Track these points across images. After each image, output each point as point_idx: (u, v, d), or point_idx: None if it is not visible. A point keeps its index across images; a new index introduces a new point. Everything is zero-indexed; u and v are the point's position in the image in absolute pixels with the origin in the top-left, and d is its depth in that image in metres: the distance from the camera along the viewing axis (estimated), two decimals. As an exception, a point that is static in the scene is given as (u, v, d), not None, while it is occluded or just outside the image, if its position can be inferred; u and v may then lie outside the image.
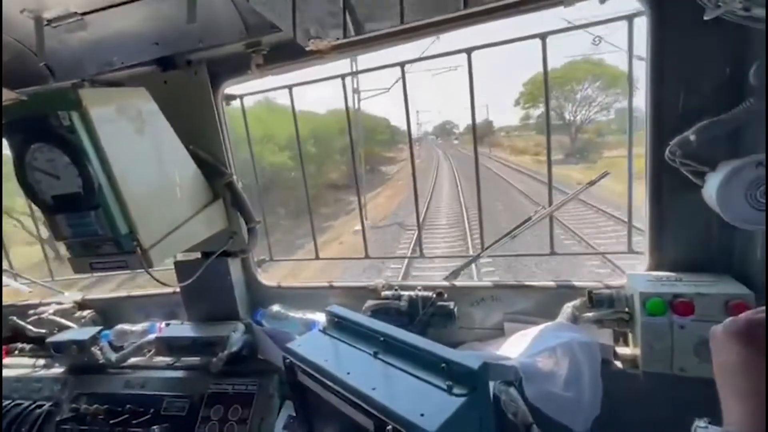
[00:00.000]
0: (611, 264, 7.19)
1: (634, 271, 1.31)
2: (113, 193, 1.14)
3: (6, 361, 1.90)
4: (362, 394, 0.92)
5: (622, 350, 1.32)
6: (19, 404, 1.64)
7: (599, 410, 1.24)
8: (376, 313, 1.53)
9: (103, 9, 1.36)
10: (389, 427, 0.83)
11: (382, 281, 1.62)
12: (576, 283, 1.40)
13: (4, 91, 1.61)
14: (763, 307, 0.60)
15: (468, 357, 0.93)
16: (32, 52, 1.52)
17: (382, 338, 1.09)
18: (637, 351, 1.21)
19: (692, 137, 1.06)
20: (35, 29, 1.40)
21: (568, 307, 1.33)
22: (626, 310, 1.25)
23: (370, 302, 1.57)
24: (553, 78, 28.80)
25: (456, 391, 0.88)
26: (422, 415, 0.82)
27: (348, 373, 1.00)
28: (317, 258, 1.94)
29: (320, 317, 1.63)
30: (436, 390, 0.90)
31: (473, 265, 8.00)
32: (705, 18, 0.83)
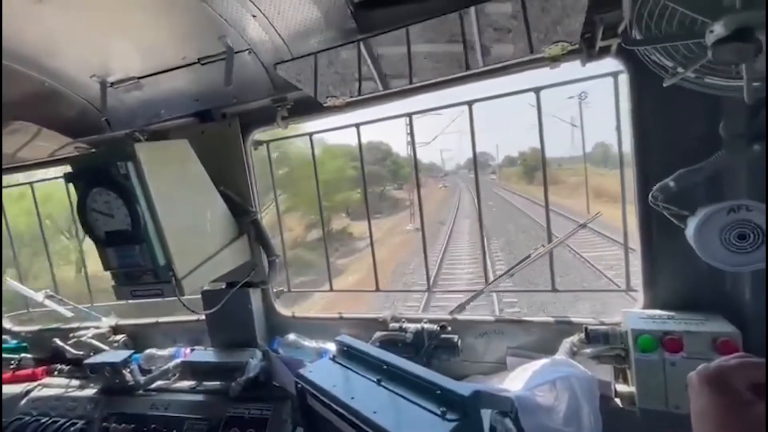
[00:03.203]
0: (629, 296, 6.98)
1: (632, 309, 1.36)
2: (155, 230, 1.32)
3: (46, 380, 2.07)
4: (364, 417, 1.01)
5: (621, 387, 1.34)
6: (56, 421, 1.78)
7: (599, 447, 1.26)
8: (384, 344, 1.62)
9: (157, 73, 1.62)
10: (386, 447, 0.92)
11: (390, 314, 1.72)
12: (573, 319, 1.46)
13: (70, 140, 1.89)
14: (735, 354, 0.62)
15: (461, 386, 1.01)
16: (95, 108, 1.79)
17: (385, 366, 1.18)
18: (634, 388, 1.24)
19: (672, 184, 1.15)
20: (101, 90, 1.67)
21: (566, 343, 1.38)
22: (622, 346, 1.30)
23: (378, 333, 1.66)
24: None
25: (449, 416, 0.96)
26: (416, 437, 0.91)
27: (352, 398, 1.09)
28: (331, 290, 2.06)
29: (332, 346, 1.72)
30: (431, 415, 0.98)
31: (494, 297, 7.92)
32: (664, 85, 0.95)
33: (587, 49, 1.23)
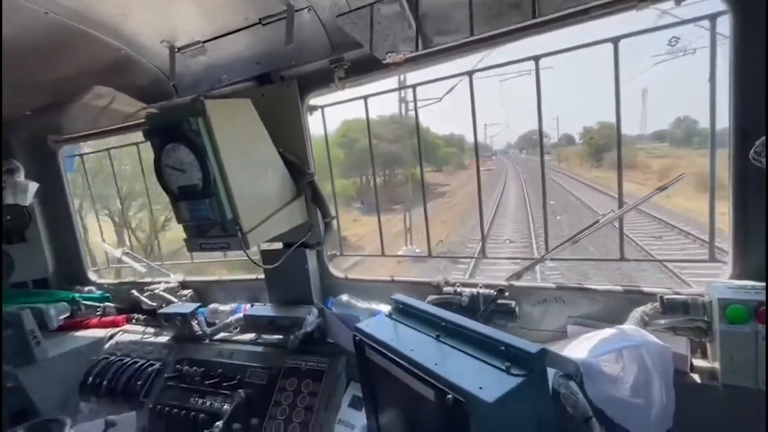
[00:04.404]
0: (673, 274, 6.44)
1: (715, 280, 1.24)
2: (224, 185, 1.38)
3: (126, 327, 2.30)
4: (425, 368, 1.02)
5: (699, 362, 1.25)
6: (137, 362, 1.99)
7: (671, 423, 1.19)
8: (438, 306, 1.60)
9: (220, 37, 1.66)
10: (449, 396, 0.92)
11: (443, 278, 1.70)
12: (645, 289, 1.36)
13: (142, 106, 2.01)
14: None
15: (527, 343, 0.98)
16: (164, 75, 1.88)
17: (443, 323, 1.18)
18: (717, 363, 1.14)
19: (781, 136, 1.01)
20: (169, 56, 1.75)
21: (636, 312, 1.30)
22: (704, 318, 1.19)
23: (432, 296, 1.66)
24: None
25: (514, 371, 0.94)
26: (481, 388, 0.89)
27: (411, 350, 1.10)
28: (383, 255, 2.08)
29: (384, 308, 1.75)
30: (495, 369, 0.96)
31: (537, 268, 7.68)
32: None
33: (685, -16, 1.09)
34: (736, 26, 1.13)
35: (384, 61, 1.48)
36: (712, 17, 1.24)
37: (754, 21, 1.10)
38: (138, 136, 2.30)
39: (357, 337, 1.30)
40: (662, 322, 1.25)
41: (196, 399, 1.74)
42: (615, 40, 1.40)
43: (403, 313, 1.35)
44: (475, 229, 13.66)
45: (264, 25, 1.56)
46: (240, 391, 1.66)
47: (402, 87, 1.80)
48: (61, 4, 1.45)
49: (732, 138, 1.18)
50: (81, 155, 2.64)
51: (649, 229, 11.30)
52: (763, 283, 1.13)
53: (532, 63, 1.58)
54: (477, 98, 1.69)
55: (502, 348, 0.99)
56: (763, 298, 1.05)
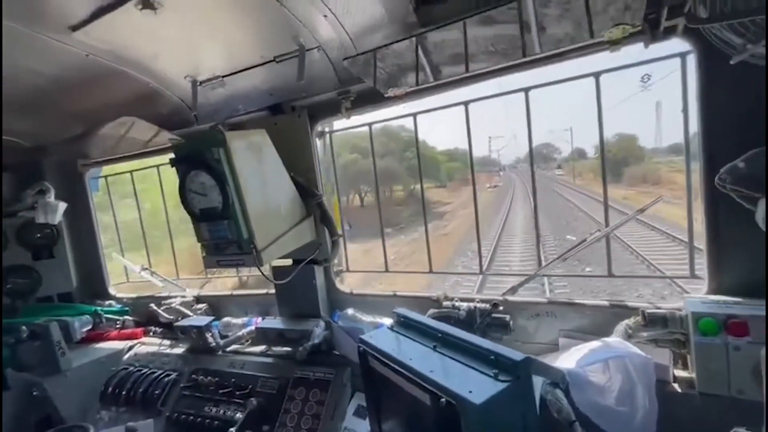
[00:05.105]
0: (678, 287, 6.47)
1: (694, 295, 1.34)
2: (240, 208, 1.53)
3: (144, 339, 2.43)
4: (422, 375, 1.12)
5: (680, 373, 1.33)
6: (154, 372, 2.10)
7: (654, 429, 1.26)
8: (437, 320, 1.70)
9: (238, 72, 1.84)
10: (443, 399, 1.02)
11: (443, 293, 1.81)
12: (629, 303, 1.45)
13: (157, 132, 2.18)
14: None
15: (514, 352, 1.09)
16: (186, 105, 2.06)
17: (440, 335, 1.28)
18: (694, 373, 1.23)
19: (741, 165, 1.13)
20: (192, 89, 1.93)
21: (621, 325, 1.39)
22: (682, 330, 1.28)
23: (432, 310, 1.76)
24: None
25: (501, 378, 1.04)
26: (470, 392, 1.00)
27: (410, 359, 1.21)
28: (387, 271, 2.19)
29: (387, 321, 1.86)
30: (484, 376, 1.06)
31: (546, 282, 7.70)
32: (731, 63, 0.95)
33: (651, 30, 1.23)
34: (700, 64, 1.26)
35: (386, 95, 1.63)
36: (683, 55, 1.38)
37: (717, 58, 1.22)
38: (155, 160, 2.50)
39: (361, 348, 1.41)
40: (644, 334, 1.34)
41: (211, 407, 1.85)
42: (596, 75, 1.53)
43: (404, 325, 1.45)
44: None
45: (278, 62, 1.73)
46: (252, 399, 1.76)
47: (402, 116, 1.93)
48: (101, 48, 1.64)
49: (702, 164, 1.29)
50: (105, 177, 2.83)
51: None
52: (735, 298, 1.23)
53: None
54: (480, 110, 1.82)
55: (492, 357, 1.09)
56: (732, 311, 1.15)
